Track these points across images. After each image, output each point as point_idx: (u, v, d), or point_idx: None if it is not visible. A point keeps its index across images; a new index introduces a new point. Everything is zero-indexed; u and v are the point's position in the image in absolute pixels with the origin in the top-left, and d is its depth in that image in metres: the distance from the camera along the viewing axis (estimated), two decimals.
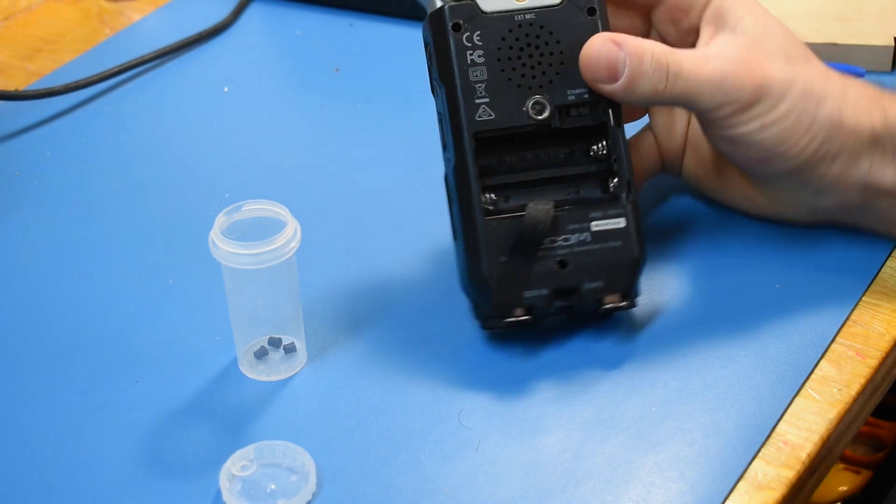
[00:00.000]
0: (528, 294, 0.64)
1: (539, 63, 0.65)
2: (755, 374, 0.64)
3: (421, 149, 0.75)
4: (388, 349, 0.67)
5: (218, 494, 0.59)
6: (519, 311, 0.64)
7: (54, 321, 0.70)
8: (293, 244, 0.62)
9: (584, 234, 0.64)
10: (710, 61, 0.65)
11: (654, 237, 0.71)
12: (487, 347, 0.66)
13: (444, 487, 0.59)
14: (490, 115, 0.64)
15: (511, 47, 0.64)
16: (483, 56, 0.64)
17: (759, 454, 0.60)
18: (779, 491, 0.59)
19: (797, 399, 0.63)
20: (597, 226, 0.64)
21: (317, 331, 0.68)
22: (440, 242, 0.73)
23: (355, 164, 0.81)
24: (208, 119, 0.87)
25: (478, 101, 0.64)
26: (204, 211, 0.76)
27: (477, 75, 0.64)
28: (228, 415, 0.63)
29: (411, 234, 0.74)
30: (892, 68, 0.86)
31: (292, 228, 0.63)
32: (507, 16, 0.64)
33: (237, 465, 0.60)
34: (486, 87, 0.64)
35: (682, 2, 0.68)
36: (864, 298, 0.68)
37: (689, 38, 0.68)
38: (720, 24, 0.66)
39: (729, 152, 0.68)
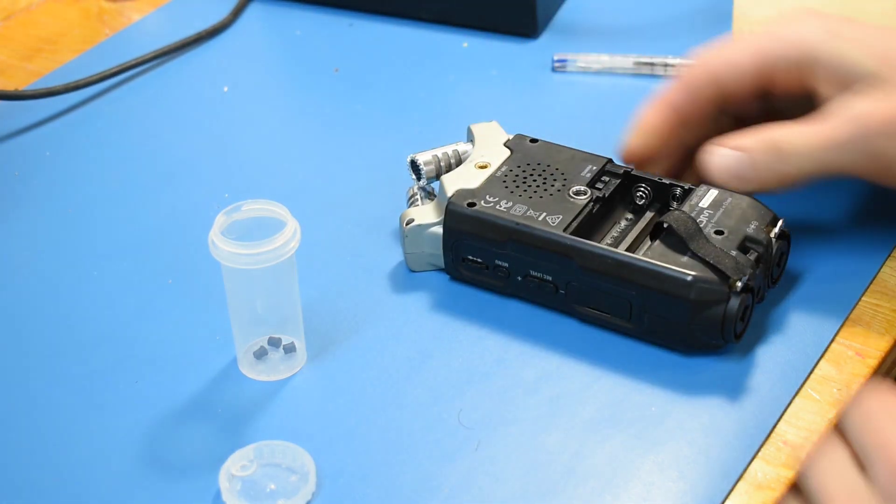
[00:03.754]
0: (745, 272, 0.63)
1: (545, 179, 0.69)
2: (755, 374, 0.64)
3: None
4: (387, 349, 0.67)
5: (218, 494, 0.59)
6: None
7: (54, 321, 0.70)
8: (293, 244, 0.62)
9: (704, 212, 0.66)
10: (842, 125, 0.64)
11: None
12: (488, 347, 0.66)
13: (444, 487, 0.59)
14: (559, 217, 0.67)
15: (517, 186, 0.69)
16: (508, 201, 0.68)
17: (759, 454, 0.60)
18: (779, 491, 0.59)
19: (797, 399, 0.63)
20: (704, 202, 0.66)
21: (317, 331, 0.68)
22: None
23: (355, 164, 0.81)
24: (208, 119, 0.87)
25: (540, 217, 0.67)
26: (204, 211, 0.76)
27: (518, 210, 0.67)
28: (228, 415, 0.63)
29: None
30: None
31: (292, 228, 0.63)
32: (490, 179, 0.70)
33: (237, 465, 0.60)
34: (533, 210, 0.67)
35: (791, 70, 0.67)
36: (863, 298, 0.68)
37: (808, 96, 0.67)
38: (844, 81, 0.65)
39: None
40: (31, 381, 0.66)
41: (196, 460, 0.61)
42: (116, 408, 0.64)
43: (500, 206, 0.67)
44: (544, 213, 0.67)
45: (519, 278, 0.67)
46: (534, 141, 0.73)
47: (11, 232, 0.77)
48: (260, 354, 0.66)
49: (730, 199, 0.66)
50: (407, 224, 0.70)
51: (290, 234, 0.62)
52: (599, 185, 0.69)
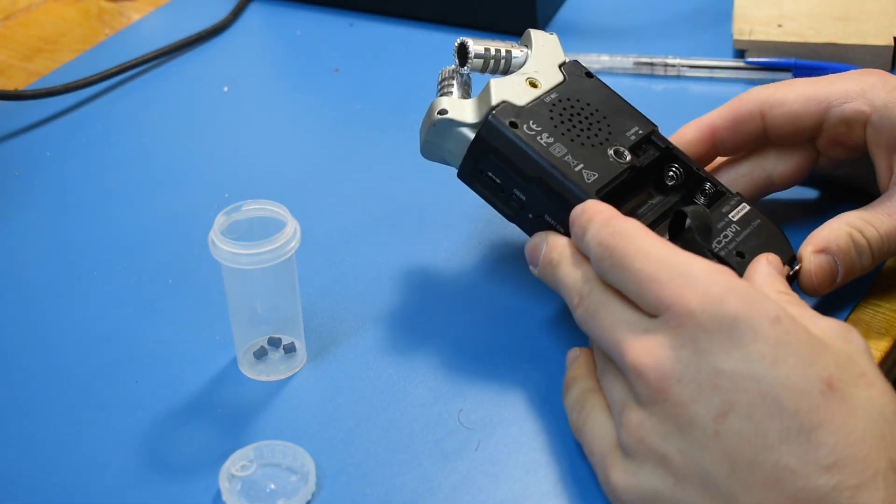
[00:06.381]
0: None
1: (591, 125, 0.66)
2: None
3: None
4: (387, 349, 0.67)
5: (218, 494, 0.59)
6: None
7: (54, 321, 0.70)
8: (293, 244, 0.62)
9: (732, 226, 0.65)
10: None
11: None
12: (487, 347, 0.66)
13: (444, 487, 0.59)
14: (594, 174, 0.63)
15: (563, 122, 0.65)
16: (550, 136, 0.64)
17: None
18: None
19: None
20: (734, 216, 0.65)
21: (317, 331, 0.68)
22: (440, 242, 0.73)
23: (355, 164, 0.81)
24: (208, 119, 0.87)
25: (577, 168, 0.63)
26: (204, 211, 0.76)
27: (558, 151, 0.64)
28: (228, 415, 0.63)
29: (411, 234, 0.74)
30: (892, 68, 0.86)
31: (292, 228, 0.63)
32: (538, 102, 0.66)
33: (237, 465, 0.60)
34: (572, 156, 0.64)
35: (838, 128, 0.67)
36: (864, 298, 0.68)
37: (857, 153, 0.68)
38: (894, 145, 0.66)
39: None
40: (31, 380, 0.66)
41: (196, 460, 0.61)
42: (116, 408, 0.64)
43: (541, 140, 0.64)
44: (581, 165, 0.63)
45: (530, 216, 0.65)
46: (589, 75, 0.69)
47: (11, 232, 0.77)
48: (260, 354, 0.66)
49: (758, 221, 0.65)
50: (438, 114, 0.65)
51: (290, 234, 0.62)
52: (639, 153, 0.67)
